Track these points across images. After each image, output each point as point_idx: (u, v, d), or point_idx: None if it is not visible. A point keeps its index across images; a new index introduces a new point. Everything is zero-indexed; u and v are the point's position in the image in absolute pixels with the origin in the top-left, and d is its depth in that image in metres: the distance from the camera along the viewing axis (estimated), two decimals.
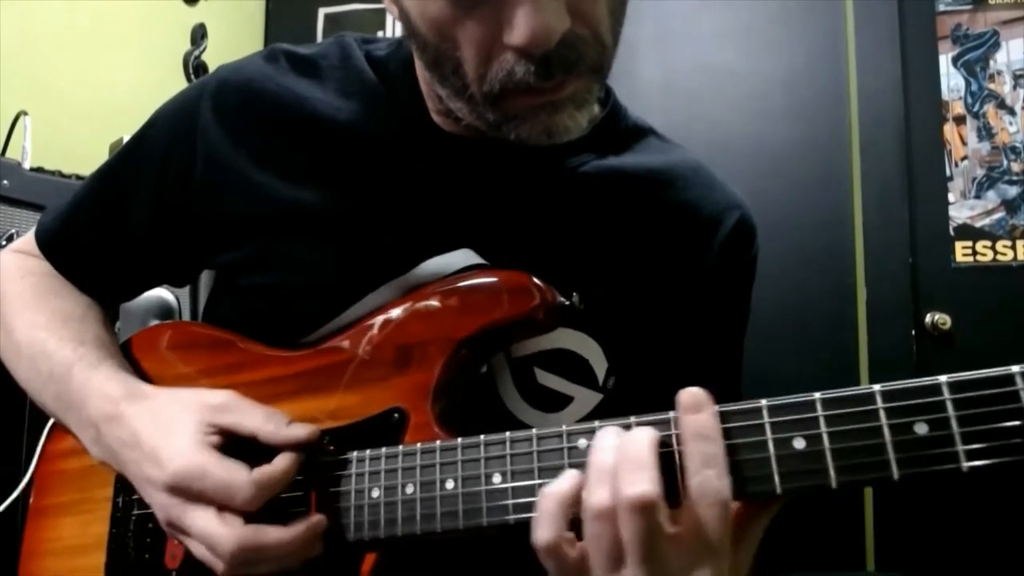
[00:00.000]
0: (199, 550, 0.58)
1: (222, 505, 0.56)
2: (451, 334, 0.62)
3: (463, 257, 0.68)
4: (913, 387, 0.44)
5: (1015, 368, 0.42)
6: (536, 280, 0.62)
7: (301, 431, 0.59)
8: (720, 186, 0.77)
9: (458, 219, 0.69)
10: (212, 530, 0.56)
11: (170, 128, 0.75)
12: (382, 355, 0.64)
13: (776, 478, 0.46)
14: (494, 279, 0.63)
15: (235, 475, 0.56)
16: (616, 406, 0.53)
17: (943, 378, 0.44)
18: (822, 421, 0.46)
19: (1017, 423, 0.41)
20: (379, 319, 0.65)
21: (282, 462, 0.58)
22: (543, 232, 0.70)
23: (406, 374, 0.62)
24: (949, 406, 0.43)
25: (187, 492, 0.57)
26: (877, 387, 0.45)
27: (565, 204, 0.71)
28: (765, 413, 0.47)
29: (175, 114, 0.75)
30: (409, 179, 0.70)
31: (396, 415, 0.61)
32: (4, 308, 0.76)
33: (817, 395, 0.46)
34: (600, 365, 0.69)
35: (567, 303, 0.63)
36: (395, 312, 0.65)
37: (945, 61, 2.15)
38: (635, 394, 0.58)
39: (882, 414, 0.44)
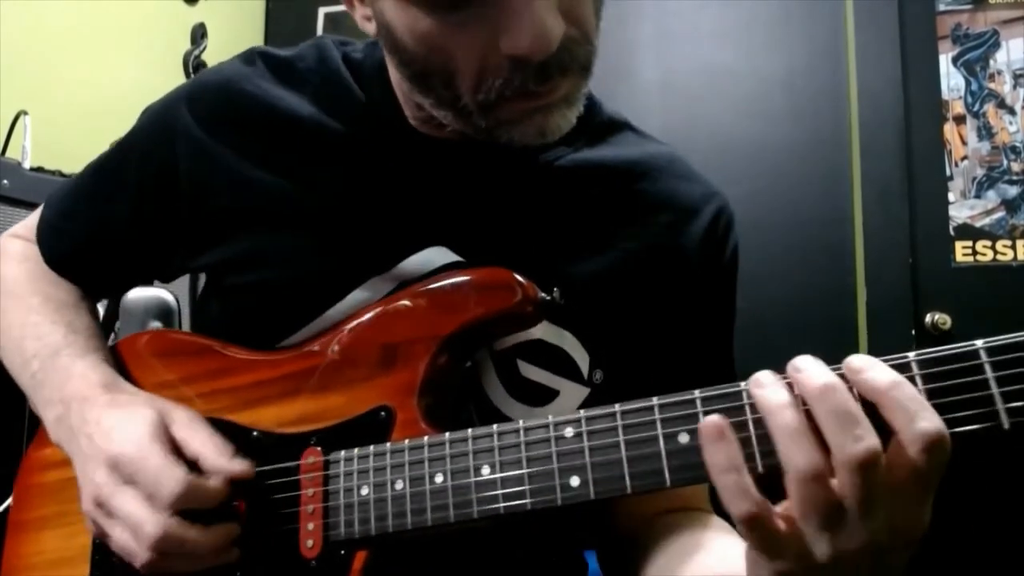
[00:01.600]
0: (121, 535, 0.59)
1: (148, 494, 0.58)
2: (435, 332, 0.62)
3: (437, 254, 0.68)
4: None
5: (979, 343, 0.44)
6: (517, 276, 0.62)
7: (238, 466, 0.60)
8: (697, 176, 0.77)
9: (436, 217, 0.69)
10: (139, 513, 0.57)
11: (150, 131, 0.76)
12: (366, 355, 0.64)
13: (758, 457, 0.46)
14: (475, 276, 0.64)
15: (169, 469, 0.58)
16: (605, 401, 0.53)
17: (911, 355, 0.45)
18: None
19: (984, 393, 0.44)
20: (362, 319, 0.65)
21: (216, 481, 0.59)
22: (520, 227, 0.70)
23: (391, 373, 0.63)
24: (918, 380, 0.44)
25: (122, 472, 0.59)
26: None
27: (541, 198, 0.71)
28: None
29: (155, 116, 0.76)
30: (385, 179, 0.70)
31: (383, 413, 0.61)
32: (1, 288, 0.79)
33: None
34: (581, 358, 0.69)
35: (548, 298, 0.64)
36: (378, 312, 0.65)
37: (945, 61, 2.14)
38: (624, 388, 0.58)
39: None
